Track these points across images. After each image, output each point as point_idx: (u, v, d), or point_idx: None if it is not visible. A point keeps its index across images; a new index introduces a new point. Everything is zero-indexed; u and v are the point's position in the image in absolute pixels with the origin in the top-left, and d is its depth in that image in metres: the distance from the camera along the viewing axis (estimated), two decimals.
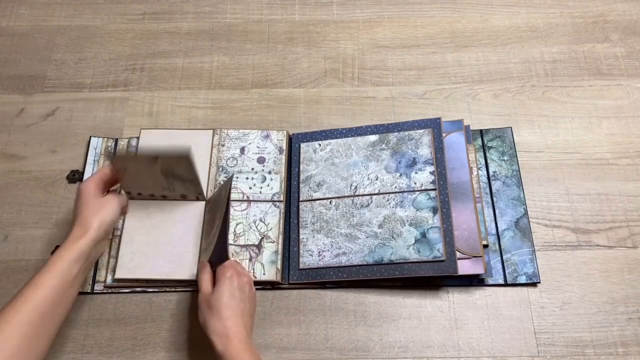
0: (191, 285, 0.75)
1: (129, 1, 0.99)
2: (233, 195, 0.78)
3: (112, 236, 0.78)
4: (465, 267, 0.71)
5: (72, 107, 0.89)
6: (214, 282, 0.68)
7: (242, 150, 0.82)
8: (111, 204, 0.68)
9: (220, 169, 0.80)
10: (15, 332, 0.56)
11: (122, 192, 0.76)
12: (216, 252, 0.70)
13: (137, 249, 0.75)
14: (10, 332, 0.56)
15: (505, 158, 0.81)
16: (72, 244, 0.63)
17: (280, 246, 0.76)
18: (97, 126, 0.87)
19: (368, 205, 0.76)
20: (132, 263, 0.74)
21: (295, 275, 0.75)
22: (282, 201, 0.78)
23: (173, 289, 0.75)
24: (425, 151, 0.78)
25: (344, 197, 0.78)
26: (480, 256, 0.71)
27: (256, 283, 0.74)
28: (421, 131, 0.80)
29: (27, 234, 0.79)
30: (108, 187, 0.72)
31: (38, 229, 0.80)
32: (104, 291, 0.75)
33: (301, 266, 0.75)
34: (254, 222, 0.77)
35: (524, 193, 0.79)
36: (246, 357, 0.60)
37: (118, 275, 0.73)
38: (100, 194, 0.69)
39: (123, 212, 0.74)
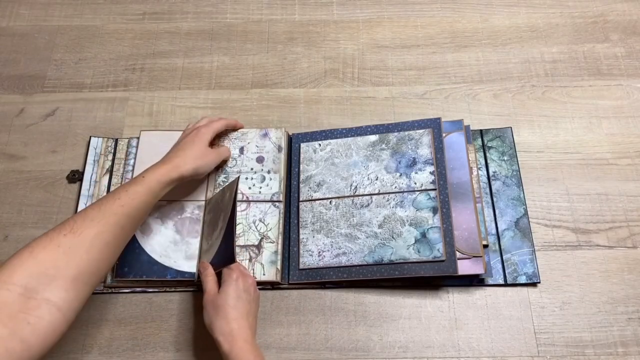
0: (191, 286, 0.75)
1: (129, 1, 0.99)
2: None
3: None
4: (465, 267, 0.71)
5: (72, 107, 0.89)
6: (218, 283, 0.69)
7: (242, 150, 0.82)
8: (212, 157, 0.75)
9: (220, 170, 0.80)
10: (110, 228, 0.60)
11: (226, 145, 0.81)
12: (221, 254, 0.70)
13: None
14: (106, 225, 0.59)
15: (505, 158, 0.81)
16: (168, 170, 0.68)
17: (279, 246, 0.76)
18: (97, 126, 0.87)
19: (368, 205, 0.76)
20: None
21: (295, 276, 0.75)
22: (281, 201, 0.78)
23: (173, 289, 0.75)
24: (425, 151, 0.78)
25: (344, 197, 0.78)
26: (480, 256, 0.71)
27: (257, 283, 0.74)
28: (421, 131, 0.80)
29: (27, 234, 0.79)
30: (215, 138, 0.80)
31: (38, 229, 0.80)
32: (104, 291, 0.75)
33: (301, 266, 0.75)
34: (254, 223, 0.77)
35: (524, 193, 0.79)
36: (252, 357, 0.61)
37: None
38: (209, 144, 0.75)
39: (223, 163, 0.80)
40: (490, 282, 0.74)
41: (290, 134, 0.85)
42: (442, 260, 0.71)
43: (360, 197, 0.77)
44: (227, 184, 0.79)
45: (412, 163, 0.78)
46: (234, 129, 0.82)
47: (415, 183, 0.76)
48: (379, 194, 0.77)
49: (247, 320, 0.65)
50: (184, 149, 0.72)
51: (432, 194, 0.75)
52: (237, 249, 0.75)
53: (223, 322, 0.64)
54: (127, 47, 0.95)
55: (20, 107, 0.89)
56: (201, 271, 0.71)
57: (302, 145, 0.83)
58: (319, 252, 0.75)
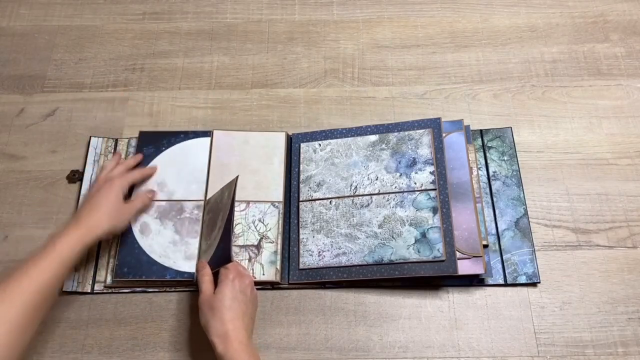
0: (191, 286, 0.75)
1: (129, 1, 0.99)
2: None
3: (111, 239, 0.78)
4: (465, 267, 0.71)
5: (72, 107, 0.89)
6: (215, 283, 0.68)
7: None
8: (128, 212, 0.70)
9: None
10: (18, 309, 0.56)
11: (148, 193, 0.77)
12: (218, 254, 0.70)
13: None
14: (13, 307, 0.56)
15: (505, 158, 0.81)
16: (82, 235, 0.64)
17: (279, 246, 0.76)
18: (97, 126, 0.87)
19: (368, 205, 0.76)
20: None
21: (295, 276, 0.75)
22: (280, 201, 0.78)
23: (173, 289, 0.75)
24: (425, 151, 0.78)
25: (344, 197, 0.78)
26: (480, 256, 0.71)
27: (256, 283, 0.74)
28: (421, 131, 0.80)
29: (27, 234, 0.79)
30: (131, 187, 0.74)
31: (38, 229, 0.80)
32: (104, 291, 0.75)
33: (301, 266, 0.75)
34: (253, 223, 0.77)
35: (524, 193, 0.79)
36: (246, 358, 0.61)
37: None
38: (123, 197, 0.70)
39: (142, 211, 0.76)
40: (490, 282, 0.74)
41: (291, 134, 0.85)
42: (442, 260, 0.71)
43: (360, 197, 0.77)
44: (226, 183, 0.79)
45: (412, 163, 0.78)
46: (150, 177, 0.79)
47: (415, 183, 0.76)
48: (379, 194, 0.77)
49: (242, 321, 0.65)
50: (97, 208, 0.68)
51: (432, 194, 0.75)
52: (237, 249, 0.75)
53: (218, 323, 0.64)
54: (127, 47, 0.95)
55: (20, 107, 0.89)
56: (198, 270, 0.71)
57: (302, 145, 0.83)
58: (319, 252, 0.75)
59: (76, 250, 0.63)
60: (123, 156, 0.83)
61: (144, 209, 0.76)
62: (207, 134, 0.83)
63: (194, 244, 0.76)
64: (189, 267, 0.74)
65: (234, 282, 0.67)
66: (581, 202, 0.79)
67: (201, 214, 0.78)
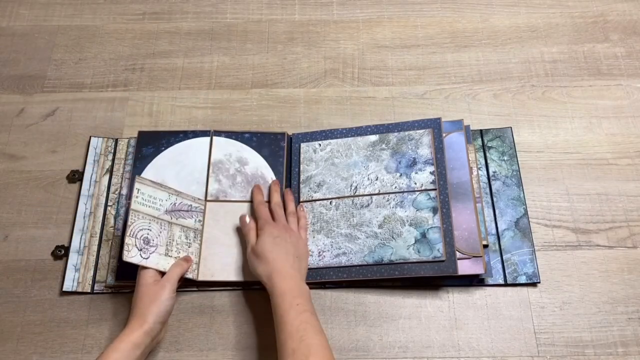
0: (191, 286, 0.75)
1: (129, 1, 0.99)
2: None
3: (112, 236, 0.78)
4: (465, 267, 0.71)
5: (72, 107, 0.89)
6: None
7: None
8: (166, 291, 0.67)
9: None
10: None
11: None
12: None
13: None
14: None
15: (505, 158, 0.81)
16: (127, 335, 0.63)
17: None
18: (97, 126, 0.87)
19: (368, 205, 0.76)
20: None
21: None
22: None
23: None
24: (425, 151, 0.78)
25: (344, 197, 0.78)
26: (480, 256, 0.71)
27: (256, 283, 0.74)
28: (421, 131, 0.80)
29: (27, 234, 0.79)
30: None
31: (38, 229, 0.80)
32: (104, 291, 0.75)
33: None
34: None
35: (524, 193, 0.79)
36: (291, 285, 0.65)
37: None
38: (157, 280, 0.69)
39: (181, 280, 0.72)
40: (490, 282, 0.74)
41: (291, 134, 0.85)
42: (442, 261, 0.71)
43: (360, 197, 0.77)
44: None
45: (412, 163, 0.78)
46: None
47: (416, 183, 0.76)
48: (379, 194, 0.77)
49: (286, 259, 0.69)
50: (133, 304, 0.67)
51: (432, 194, 0.75)
52: None
53: (263, 265, 0.69)
54: (127, 47, 0.95)
55: (20, 107, 0.89)
56: (242, 225, 0.75)
57: (302, 145, 0.83)
58: (319, 252, 0.75)
59: (125, 350, 0.62)
60: (123, 157, 0.83)
61: (182, 274, 0.72)
62: (206, 133, 0.83)
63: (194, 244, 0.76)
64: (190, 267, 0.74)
65: (270, 229, 0.71)
66: (581, 202, 0.79)
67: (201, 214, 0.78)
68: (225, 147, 0.82)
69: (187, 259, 0.73)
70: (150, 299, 0.66)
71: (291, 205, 0.77)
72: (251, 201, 0.79)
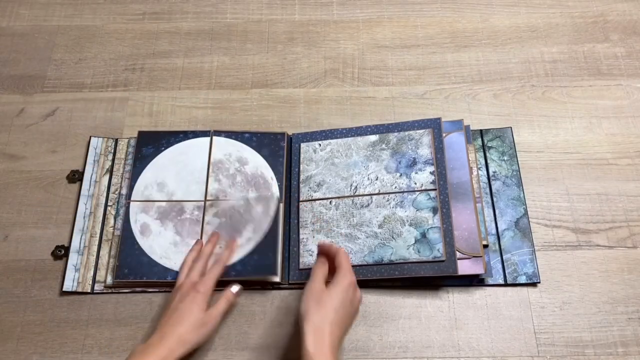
0: None
1: (129, 1, 0.99)
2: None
3: (112, 236, 0.78)
4: (465, 267, 0.71)
5: (72, 107, 0.89)
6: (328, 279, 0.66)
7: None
8: (215, 319, 0.67)
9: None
10: None
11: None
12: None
13: None
14: None
15: (505, 158, 0.81)
16: (165, 356, 0.62)
17: (280, 246, 0.76)
18: (97, 126, 0.87)
19: (368, 205, 0.76)
20: None
21: (295, 275, 0.75)
22: (281, 201, 0.78)
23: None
24: (425, 151, 0.78)
25: (344, 197, 0.78)
26: (480, 256, 0.71)
27: (256, 283, 0.74)
28: (421, 131, 0.80)
29: (27, 234, 0.79)
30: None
31: (38, 229, 0.80)
32: (104, 291, 0.75)
33: (301, 266, 0.75)
34: None
35: (524, 193, 0.79)
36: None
37: None
38: (207, 301, 0.68)
39: (228, 312, 0.72)
40: (490, 282, 0.74)
41: (291, 134, 0.85)
42: (442, 261, 0.71)
43: (360, 197, 0.77)
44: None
45: (412, 163, 0.78)
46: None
47: (416, 183, 0.76)
48: (379, 194, 0.77)
49: (339, 328, 0.62)
50: (181, 322, 0.65)
51: (432, 194, 0.75)
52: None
53: (318, 318, 0.61)
54: (127, 47, 0.95)
55: (20, 107, 0.89)
56: (319, 253, 0.69)
57: (302, 145, 0.83)
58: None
59: None
60: (123, 157, 0.83)
61: (231, 310, 0.72)
62: (206, 133, 0.83)
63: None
64: None
65: (348, 290, 0.64)
66: (581, 202, 0.79)
67: (201, 214, 0.78)
68: (225, 147, 0.82)
69: (238, 290, 0.72)
70: (196, 325, 0.65)
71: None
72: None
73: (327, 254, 0.68)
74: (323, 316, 0.60)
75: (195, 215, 0.78)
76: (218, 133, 0.83)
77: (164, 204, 0.79)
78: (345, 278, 0.64)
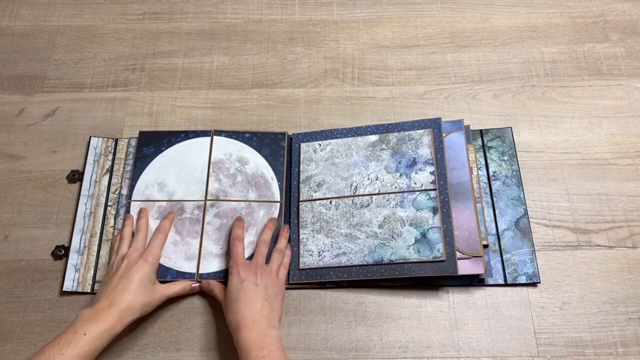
0: None
1: (129, 1, 0.99)
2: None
3: (112, 236, 0.78)
4: (465, 267, 0.71)
5: (72, 107, 0.89)
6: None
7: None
8: (164, 294, 0.70)
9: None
10: None
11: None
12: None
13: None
14: None
15: (505, 158, 0.81)
16: (112, 324, 0.63)
17: None
18: (97, 126, 0.87)
19: (368, 205, 0.76)
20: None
21: (295, 275, 0.75)
22: (278, 201, 0.78)
23: None
24: (425, 151, 0.78)
25: (344, 197, 0.78)
26: (480, 256, 0.71)
27: None
28: (421, 131, 0.80)
29: (27, 234, 0.79)
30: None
31: (38, 229, 0.80)
32: None
33: (301, 266, 0.75)
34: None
35: (524, 193, 0.79)
36: (256, 342, 0.62)
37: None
38: (155, 275, 0.71)
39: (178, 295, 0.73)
40: (490, 282, 0.74)
41: (291, 134, 0.85)
42: (442, 261, 0.71)
43: (360, 197, 0.77)
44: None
45: (412, 163, 0.78)
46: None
47: (416, 183, 0.76)
48: (379, 194, 0.77)
49: (253, 305, 0.66)
50: (129, 290, 0.66)
51: (432, 194, 0.75)
52: None
53: (232, 315, 0.66)
54: (127, 47, 0.95)
55: (20, 107, 0.89)
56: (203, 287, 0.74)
57: (302, 145, 0.83)
58: (319, 252, 0.75)
59: (105, 338, 0.62)
60: (123, 157, 0.83)
61: (180, 294, 0.73)
62: (207, 133, 0.83)
63: (194, 244, 0.76)
64: (190, 267, 0.75)
65: (237, 272, 0.69)
66: (581, 202, 0.79)
67: (202, 214, 0.78)
68: (226, 147, 0.82)
69: (198, 285, 0.74)
70: (145, 295, 0.67)
71: (281, 242, 0.75)
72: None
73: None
74: (231, 312, 0.66)
75: (196, 214, 0.78)
76: (219, 133, 0.83)
77: (164, 203, 0.79)
78: (231, 267, 0.71)
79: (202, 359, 0.71)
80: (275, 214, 0.78)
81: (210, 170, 0.81)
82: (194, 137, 0.83)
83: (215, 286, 0.72)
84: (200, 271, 0.74)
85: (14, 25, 0.98)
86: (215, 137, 0.83)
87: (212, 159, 0.81)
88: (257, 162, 0.81)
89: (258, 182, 0.80)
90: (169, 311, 0.74)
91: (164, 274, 0.74)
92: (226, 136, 0.83)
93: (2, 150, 0.86)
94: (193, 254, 0.75)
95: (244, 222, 0.76)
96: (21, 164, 0.85)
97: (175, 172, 0.81)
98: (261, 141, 0.83)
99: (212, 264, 0.75)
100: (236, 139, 0.83)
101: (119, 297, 0.65)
